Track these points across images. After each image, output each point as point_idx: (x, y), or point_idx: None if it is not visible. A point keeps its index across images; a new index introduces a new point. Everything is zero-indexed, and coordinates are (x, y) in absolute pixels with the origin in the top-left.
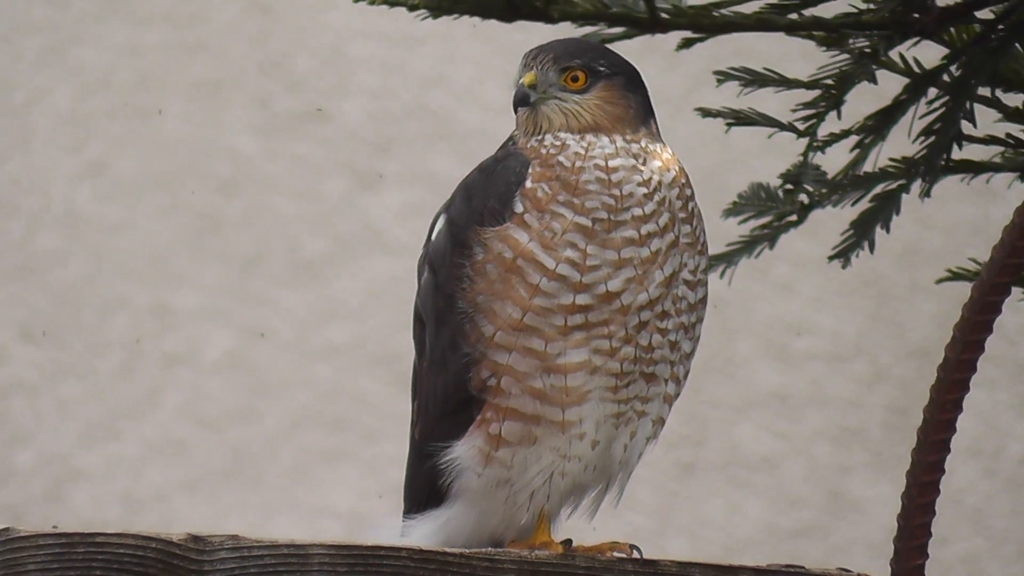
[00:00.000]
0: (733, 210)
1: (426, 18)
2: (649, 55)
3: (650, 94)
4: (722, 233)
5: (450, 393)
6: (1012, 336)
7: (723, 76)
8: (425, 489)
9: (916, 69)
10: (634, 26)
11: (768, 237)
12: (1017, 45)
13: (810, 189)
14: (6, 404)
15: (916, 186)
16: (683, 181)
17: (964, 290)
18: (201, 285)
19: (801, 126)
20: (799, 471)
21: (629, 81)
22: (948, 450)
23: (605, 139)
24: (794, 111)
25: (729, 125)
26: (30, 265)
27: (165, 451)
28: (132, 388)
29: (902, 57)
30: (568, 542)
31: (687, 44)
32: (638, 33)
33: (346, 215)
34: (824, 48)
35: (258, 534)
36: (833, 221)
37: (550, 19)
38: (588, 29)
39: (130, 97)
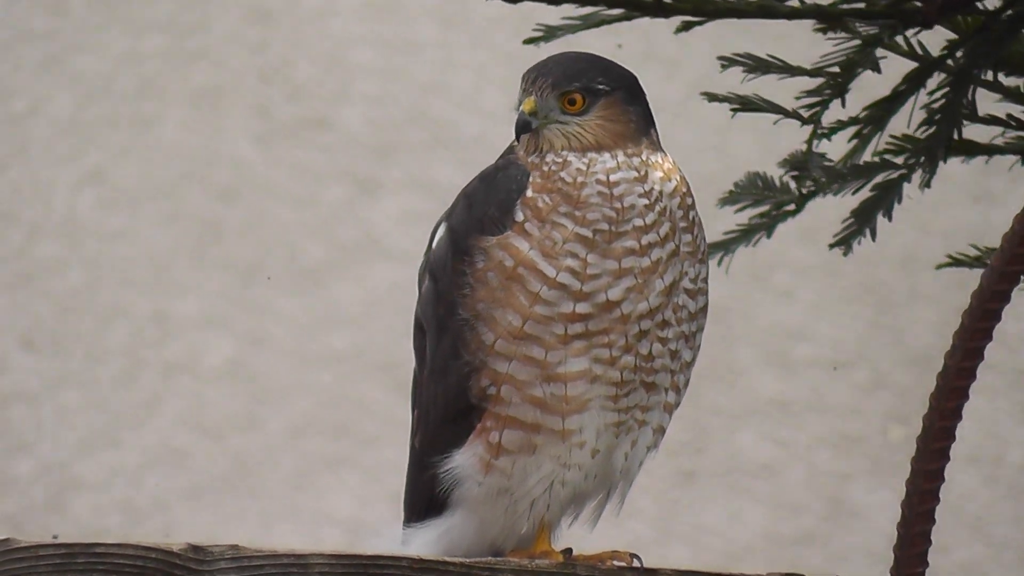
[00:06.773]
0: (729, 199)
1: None
2: (648, 63)
3: (649, 102)
4: (720, 235)
5: (450, 401)
6: (1012, 344)
7: (728, 61)
8: (425, 498)
9: (920, 52)
10: (637, 9)
11: (766, 226)
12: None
13: (816, 176)
14: (6, 412)
15: (916, 177)
16: (684, 190)
17: (964, 297)
18: (201, 293)
19: (805, 113)
20: (799, 478)
21: (629, 94)
22: (948, 458)
23: (607, 155)
24: (798, 99)
25: (734, 111)
26: (30, 273)
27: (165, 459)
28: (132, 396)
29: (906, 40)
30: (568, 551)
31: (686, 27)
32: (639, 15)
33: (346, 222)
34: (825, 35)
35: (259, 542)
36: (834, 227)
37: (553, 0)
38: (589, 9)
39: (130, 105)
